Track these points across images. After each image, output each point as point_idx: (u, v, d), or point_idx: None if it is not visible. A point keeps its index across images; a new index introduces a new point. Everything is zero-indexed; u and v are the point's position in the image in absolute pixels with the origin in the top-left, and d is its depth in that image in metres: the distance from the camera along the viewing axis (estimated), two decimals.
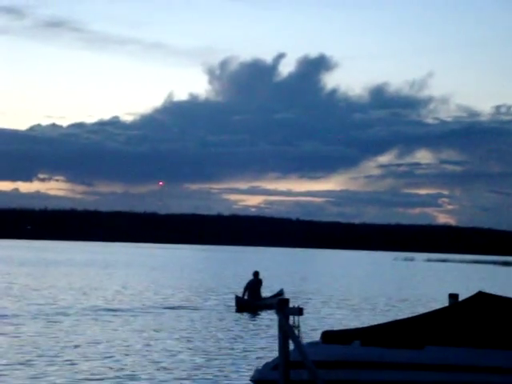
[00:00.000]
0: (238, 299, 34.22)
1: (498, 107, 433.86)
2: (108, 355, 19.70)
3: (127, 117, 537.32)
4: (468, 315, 13.06)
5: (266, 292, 37.22)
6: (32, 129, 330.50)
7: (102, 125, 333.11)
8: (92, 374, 17.13)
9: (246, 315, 31.67)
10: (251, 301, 34.07)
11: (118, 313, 30.17)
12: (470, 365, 12.44)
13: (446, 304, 14.54)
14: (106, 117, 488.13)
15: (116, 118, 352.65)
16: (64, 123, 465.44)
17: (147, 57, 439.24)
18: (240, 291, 35.68)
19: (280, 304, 12.26)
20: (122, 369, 17.92)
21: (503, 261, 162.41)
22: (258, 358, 19.63)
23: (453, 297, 14.71)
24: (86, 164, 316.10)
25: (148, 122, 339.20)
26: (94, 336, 23.22)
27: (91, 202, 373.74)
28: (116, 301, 35.41)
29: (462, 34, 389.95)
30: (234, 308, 33.74)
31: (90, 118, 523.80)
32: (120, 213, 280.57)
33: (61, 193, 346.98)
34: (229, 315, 31.39)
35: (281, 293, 35.42)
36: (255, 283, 34.79)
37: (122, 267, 73.05)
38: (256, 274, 34.94)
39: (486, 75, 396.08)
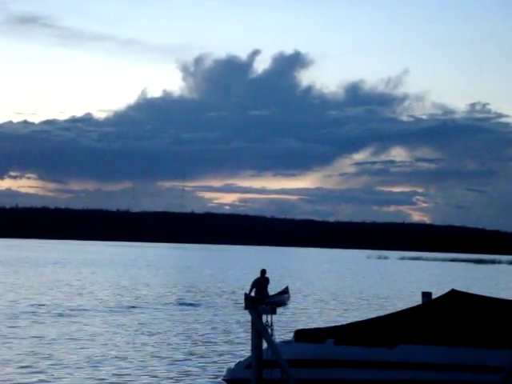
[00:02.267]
0: (247, 296, 34.24)
1: (472, 105, 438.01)
2: (88, 353, 19.59)
3: (100, 114, 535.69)
4: (441, 313, 13.06)
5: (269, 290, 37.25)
6: (3, 126, 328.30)
7: (74, 122, 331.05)
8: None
9: (245, 313, 31.78)
10: (259, 298, 33.88)
11: (100, 312, 29.91)
12: (443, 363, 12.44)
13: (420, 302, 14.54)
14: (79, 114, 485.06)
15: (89, 114, 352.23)
16: (36, 120, 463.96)
17: (121, 53, 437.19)
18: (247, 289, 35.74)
19: (253, 303, 12.19)
20: (98, 363, 17.83)
21: (477, 259, 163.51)
22: (235, 356, 19.51)
23: (426, 295, 14.71)
24: (58, 161, 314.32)
25: (121, 119, 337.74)
26: (58, 334, 23.06)
27: (63, 200, 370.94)
28: (99, 299, 35.26)
29: (437, 32, 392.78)
30: (243, 305, 33.87)
31: (62, 114, 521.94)
32: (92, 211, 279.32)
33: (32, 190, 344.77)
34: (227, 312, 31.95)
35: (286, 290, 35.39)
36: (262, 281, 34.72)
37: (97, 266, 72.67)
38: (263, 271, 34.92)
39: (460, 73, 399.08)
